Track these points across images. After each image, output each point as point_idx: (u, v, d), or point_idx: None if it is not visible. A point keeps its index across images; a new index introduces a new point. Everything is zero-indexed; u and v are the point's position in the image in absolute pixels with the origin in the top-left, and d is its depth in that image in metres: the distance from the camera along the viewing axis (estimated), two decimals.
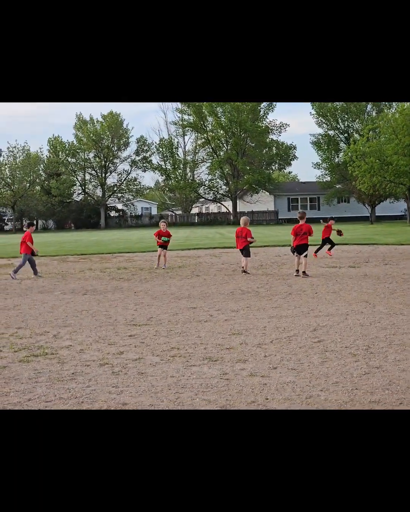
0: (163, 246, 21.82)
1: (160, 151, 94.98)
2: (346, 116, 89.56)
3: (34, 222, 22.09)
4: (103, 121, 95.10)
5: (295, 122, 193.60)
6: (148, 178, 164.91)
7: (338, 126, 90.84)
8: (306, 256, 17.95)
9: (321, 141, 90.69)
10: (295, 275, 17.90)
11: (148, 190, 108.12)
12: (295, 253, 18.22)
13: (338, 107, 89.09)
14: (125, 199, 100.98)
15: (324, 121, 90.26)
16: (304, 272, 17.81)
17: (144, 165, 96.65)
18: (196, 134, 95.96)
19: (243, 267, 19.24)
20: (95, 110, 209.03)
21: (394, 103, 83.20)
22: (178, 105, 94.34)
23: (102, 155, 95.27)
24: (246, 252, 19.13)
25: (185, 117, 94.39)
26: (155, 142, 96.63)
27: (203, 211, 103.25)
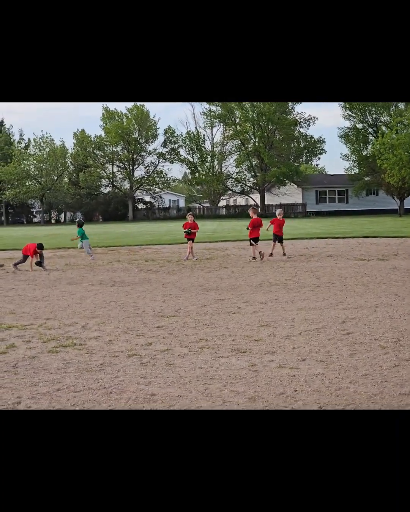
0: (191, 238, 22.04)
1: (187, 144, 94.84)
2: (373, 109, 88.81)
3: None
4: (129, 114, 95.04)
5: (323, 115, 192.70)
6: (176, 171, 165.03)
7: (366, 119, 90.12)
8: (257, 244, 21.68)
9: (350, 134, 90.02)
10: (256, 260, 21.02)
11: (175, 182, 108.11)
12: (253, 243, 21.48)
13: None
14: (153, 192, 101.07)
15: (351, 114, 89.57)
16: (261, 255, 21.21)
17: (172, 157, 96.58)
18: (224, 126, 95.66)
19: (283, 252, 22.53)
20: (120, 103, 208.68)
21: None
22: None
23: (130, 148, 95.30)
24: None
25: (214, 108, 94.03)
26: (183, 134, 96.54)
27: (231, 204, 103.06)
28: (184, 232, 22.34)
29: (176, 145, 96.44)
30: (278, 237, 22.72)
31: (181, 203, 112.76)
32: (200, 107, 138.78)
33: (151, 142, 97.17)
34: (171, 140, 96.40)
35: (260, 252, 21.28)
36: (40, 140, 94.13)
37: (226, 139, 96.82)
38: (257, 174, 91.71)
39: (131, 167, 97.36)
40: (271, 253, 22.39)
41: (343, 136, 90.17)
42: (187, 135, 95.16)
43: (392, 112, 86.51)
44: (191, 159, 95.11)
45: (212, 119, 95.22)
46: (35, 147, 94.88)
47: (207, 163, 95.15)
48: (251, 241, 21.63)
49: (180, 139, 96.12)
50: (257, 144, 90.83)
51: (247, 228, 22.29)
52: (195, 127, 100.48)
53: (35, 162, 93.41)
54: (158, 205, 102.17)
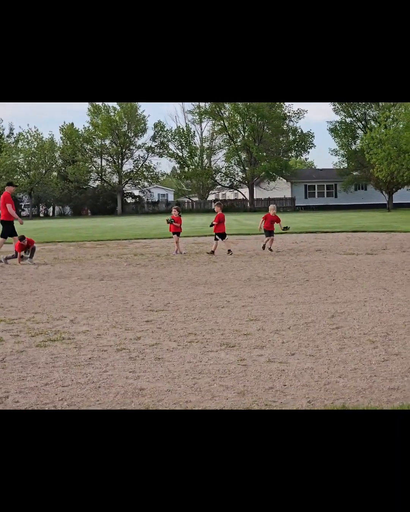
0: (176, 232, 22.19)
1: (176, 139, 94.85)
2: (362, 103, 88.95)
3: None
4: (118, 107, 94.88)
5: (312, 109, 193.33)
6: (165, 165, 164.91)
7: (355, 114, 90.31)
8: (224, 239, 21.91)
9: (338, 128, 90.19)
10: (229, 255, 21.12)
11: (164, 177, 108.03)
12: (221, 238, 21.71)
13: None
14: (141, 186, 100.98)
15: (341, 108, 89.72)
16: (229, 251, 21.42)
17: (161, 150, 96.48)
18: (213, 121, 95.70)
19: (270, 247, 22.20)
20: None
21: None
22: None
23: (118, 142, 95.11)
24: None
25: (202, 104, 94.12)
26: (172, 129, 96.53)
27: (220, 198, 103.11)
28: (166, 220, 22.65)
29: (165, 139, 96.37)
30: (269, 232, 22.47)
31: (170, 197, 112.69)
32: (190, 104, 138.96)
33: (140, 136, 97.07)
34: (160, 134, 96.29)
35: (228, 251, 21.56)
36: (27, 134, 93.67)
37: (214, 133, 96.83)
38: (246, 168, 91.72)
39: (120, 161, 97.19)
40: (264, 247, 22.39)
41: (332, 130, 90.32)
42: (176, 131, 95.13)
43: (380, 106, 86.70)
44: (180, 154, 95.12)
45: (200, 116, 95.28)
46: (23, 141, 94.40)
47: (196, 158, 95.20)
48: (216, 236, 21.90)
49: (170, 134, 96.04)
50: (246, 138, 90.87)
51: (211, 225, 22.30)
52: (185, 122, 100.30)
53: (23, 156, 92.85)
54: (147, 199, 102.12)
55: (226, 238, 22.07)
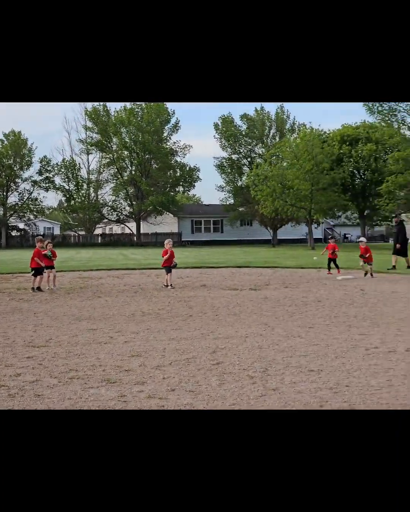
0: (50, 266, 21.49)
1: (62, 171, 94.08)
2: (249, 140, 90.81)
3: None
4: (5, 140, 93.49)
5: (199, 145, 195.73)
6: (52, 198, 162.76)
7: (241, 150, 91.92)
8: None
9: (225, 164, 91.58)
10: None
11: (50, 210, 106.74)
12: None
13: (242, 131, 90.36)
14: (27, 219, 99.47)
15: (227, 144, 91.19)
16: (171, 285, 21.56)
17: (47, 185, 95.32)
18: (101, 154, 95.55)
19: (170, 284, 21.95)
20: None
21: (296, 129, 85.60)
22: (84, 122, 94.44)
23: (3, 174, 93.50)
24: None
25: (93, 135, 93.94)
26: (59, 163, 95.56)
27: (107, 232, 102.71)
28: (44, 254, 21.39)
29: (51, 174, 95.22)
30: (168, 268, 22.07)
31: (57, 231, 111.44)
32: (77, 134, 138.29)
33: (26, 169, 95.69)
34: (46, 169, 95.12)
35: (37, 287, 20.80)
36: None
37: (102, 167, 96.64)
38: (134, 202, 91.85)
39: (4, 194, 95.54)
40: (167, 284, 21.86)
41: (219, 166, 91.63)
42: (62, 163, 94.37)
43: (265, 144, 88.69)
44: (66, 187, 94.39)
45: (88, 147, 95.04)
46: None
47: (83, 191, 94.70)
48: (34, 270, 20.86)
49: (56, 168, 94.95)
50: (133, 172, 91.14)
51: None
52: (71, 155, 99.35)
53: None
54: (33, 232, 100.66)
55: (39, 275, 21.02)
